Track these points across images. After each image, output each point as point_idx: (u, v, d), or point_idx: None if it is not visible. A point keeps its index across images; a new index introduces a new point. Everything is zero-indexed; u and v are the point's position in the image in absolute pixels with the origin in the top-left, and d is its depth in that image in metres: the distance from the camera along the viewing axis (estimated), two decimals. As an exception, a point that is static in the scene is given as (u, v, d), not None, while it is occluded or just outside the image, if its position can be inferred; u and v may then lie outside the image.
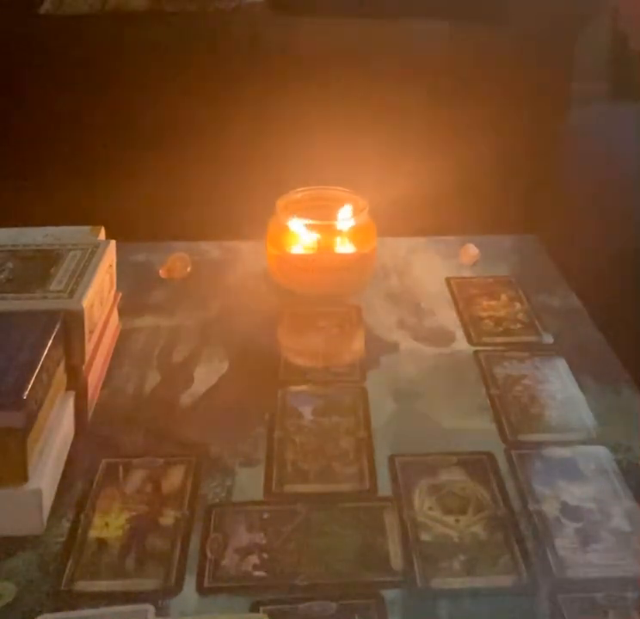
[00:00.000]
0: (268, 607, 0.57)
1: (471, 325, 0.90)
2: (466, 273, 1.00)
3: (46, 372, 0.66)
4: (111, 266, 0.83)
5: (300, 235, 0.95)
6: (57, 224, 0.86)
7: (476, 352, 0.85)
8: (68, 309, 0.72)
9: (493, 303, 0.94)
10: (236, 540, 0.62)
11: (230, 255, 1.03)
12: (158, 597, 0.58)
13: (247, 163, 1.60)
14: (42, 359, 0.66)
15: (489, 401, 0.78)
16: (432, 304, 0.94)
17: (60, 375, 0.71)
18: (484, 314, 0.92)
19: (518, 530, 0.63)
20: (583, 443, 0.73)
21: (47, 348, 0.67)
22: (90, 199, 1.50)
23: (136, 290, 0.94)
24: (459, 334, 0.88)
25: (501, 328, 0.89)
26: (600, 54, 2.21)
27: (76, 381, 0.73)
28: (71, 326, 0.72)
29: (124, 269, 0.89)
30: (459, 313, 0.92)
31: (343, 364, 0.84)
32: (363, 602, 0.57)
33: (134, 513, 0.65)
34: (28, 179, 1.58)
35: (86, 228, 0.86)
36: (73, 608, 0.57)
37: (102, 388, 0.79)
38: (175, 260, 0.99)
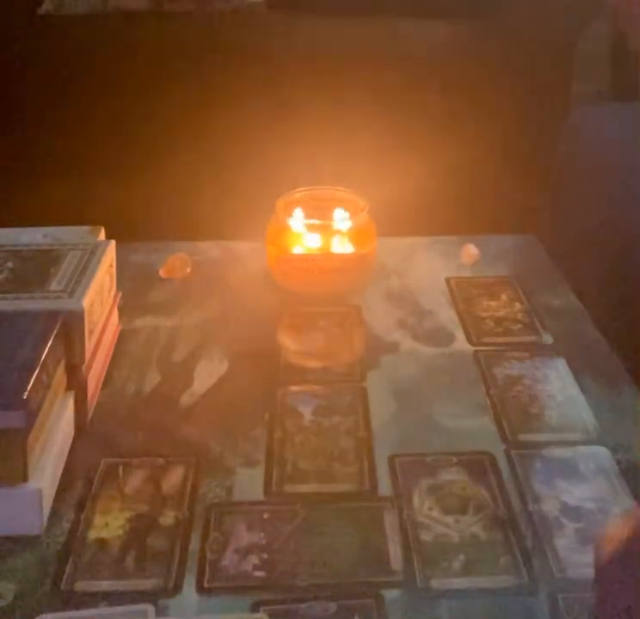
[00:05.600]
0: (268, 607, 0.57)
1: (471, 325, 0.90)
2: (466, 273, 1.00)
3: (46, 372, 0.66)
4: (111, 266, 0.83)
5: (300, 236, 0.95)
6: (57, 224, 0.86)
7: (476, 352, 0.85)
8: (68, 309, 0.72)
9: (493, 303, 0.94)
10: (236, 540, 0.62)
11: (230, 255, 1.03)
12: (158, 597, 0.58)
13: (247, 163, 1.60)
14: (42, 359, 0.66)
15: (488, 401, 0.78)
16: (432, 304, 0.94)
17: (60, 375, 0.71)
18: (484, 314, 0.92)
19: (518, 530, 0.63)
20: (583, 443, 0.72)
21: (47, 348, 0.67)
22: (90, 199, 1.50)
23: (136, 290, 0.94)
24: (459, 334, 0.88)
25: (501, 328, 0.89)
26: (600, 54, 2.21)
27: (76, 381, 0.73)
28: (71, 326, 0.72)
29: (124, 269, 0.89)
30: (459, 313, 0.92)
31: (343, 364, 0.84)
32: (363, 602, 0.57)
33: (134, 513, 0.65)
34: (28, 179, 1.58)
35: (86, 228, 0.86)
36: (73, 608, 0.57)
37: (102, 388, 0.79)
38: (175, 260, 0.99)
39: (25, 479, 0.62)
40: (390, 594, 0.58)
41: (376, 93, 1.60)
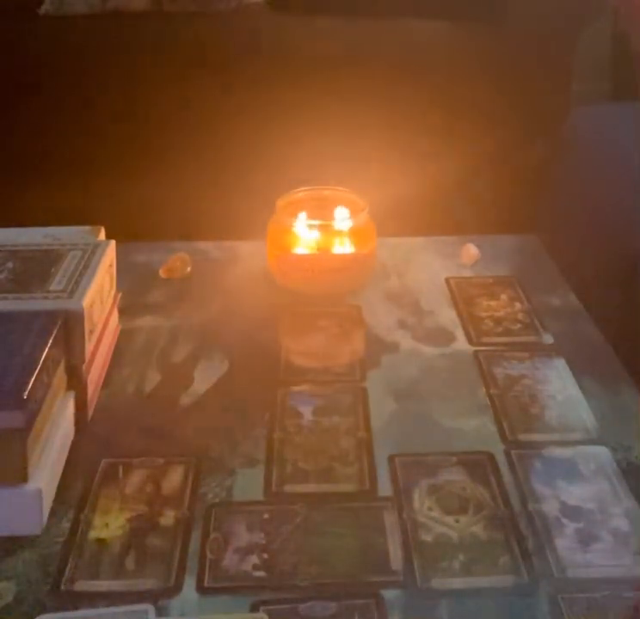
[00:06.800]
0: (268, 607, 0.57)
1: (471, 325, 0.90)
2: (466, 273, 1.00)
3: (46, 372, 0.66)
4: (111, 266, 0.83)
5: (300, 236, 0.95)
6: (57, 224, 0.86)
7: (476, 352, 0.85)
8: (68, 309, 0.72)
9: (493, 303, 0.94)
10: (236, 540, 0.62)
11: (230, 255, 1.03)
12: (158, 597, 0.58)
13: (247, 163, 1.60)
14: (42, 359, 0.66)
15: (488, 401, 0.78)
16: (432, 304, 0.94)
17: (60, 375, 0.71)
18: (484, 314, 0.92)
19: (518, 530, 0.63)
20: (583, 443, 0.72)
21: (47, 348, 0.67)
22: (90, 199, 1.50)
23: (136, 290, 0.94)
24: (459, 333, 0.88)
25: (501, 328, 0.89)
26: (600, 54, 2.21)
27: (76, 381, 0.73)
28: (71, 326, 0.72)
29: (124, 269, 0.89)
30: (459, 313, 0.92)
31: (343, 364, 0.84)
32: (363, 602, 0.57)
33: (134, 513, 0.65)
34: (28, 179, 1.58)
35: (86, 228, 0.86)
36: (73, 608, 0.57)
37: (102, 388, 0.79)
38: (175, 260, 0.99)
39: (25, 479, 0.62)
40: (390, 594, 0.58)
41: (376, 93, 1.60)
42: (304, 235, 0.95)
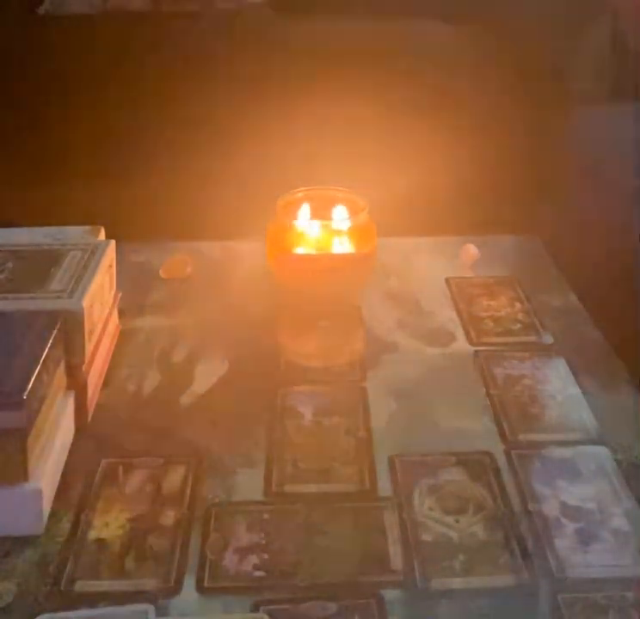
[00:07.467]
0: (268, 607, 0.57)
1: (471, 325, 0.90)
2: (466, 273, 1.00)
3: (46, 372, 0.66)
4: (111, 266, 0.83)
5: (301, 235, 0.95)
6: (57, 224, 0.86)
7: (476, 352, 0.85)
8: (68, 309, 0.72)
9: (493, 303, 0.94)
10: (236, 540, 0.62)
11: (230, 255, 1.03)
12: (158, 597, 0.58)
13: (247, 163, 1.60)
14: (42, 359, 0.66)
15: (488, 401, 0.78)
16: (432, 304, 0.94)
17: (60, 375, 0.71)
18: (484, 314, 0.92)
19: (518, 530, 0.63)
20: (583, 443, 0.73)
21: (47, 348, 0.67)
22: (90, 199, 1.50)
23: (136, 290, 0.94)
24: (459, 333, 0.88)
25: (501, 328, 0.89)
26: (600, 54, 2.20)
27: (76, 381, 0.73)
28: (71, 326, 0.72)
29: (124, 269, 0.89)
30: (459, 313, 0.92)
31: (343, 364, 0.84)
32: (363, 602, 0.57)
33: (134, 513, 0.65)
34: (28, 179, 1.58)
35: (86, 228, 0.86)
36: (73, 608, 0.57)
37: (102, 388, 0.79)
38: (175, 260, 0.99)
39: (25, 479, 0.62)
40: (390, 594, 0.58)
41: (377, 93, 1.60)
42: (305, 236, 0.95)
